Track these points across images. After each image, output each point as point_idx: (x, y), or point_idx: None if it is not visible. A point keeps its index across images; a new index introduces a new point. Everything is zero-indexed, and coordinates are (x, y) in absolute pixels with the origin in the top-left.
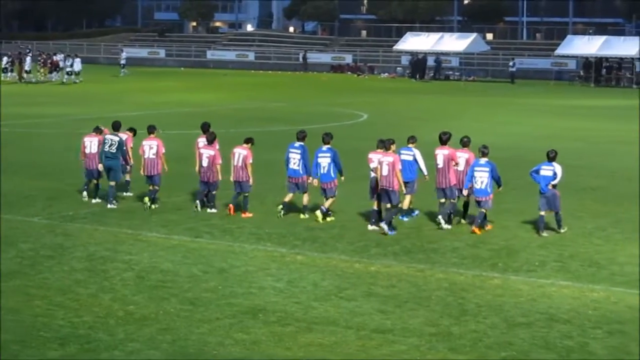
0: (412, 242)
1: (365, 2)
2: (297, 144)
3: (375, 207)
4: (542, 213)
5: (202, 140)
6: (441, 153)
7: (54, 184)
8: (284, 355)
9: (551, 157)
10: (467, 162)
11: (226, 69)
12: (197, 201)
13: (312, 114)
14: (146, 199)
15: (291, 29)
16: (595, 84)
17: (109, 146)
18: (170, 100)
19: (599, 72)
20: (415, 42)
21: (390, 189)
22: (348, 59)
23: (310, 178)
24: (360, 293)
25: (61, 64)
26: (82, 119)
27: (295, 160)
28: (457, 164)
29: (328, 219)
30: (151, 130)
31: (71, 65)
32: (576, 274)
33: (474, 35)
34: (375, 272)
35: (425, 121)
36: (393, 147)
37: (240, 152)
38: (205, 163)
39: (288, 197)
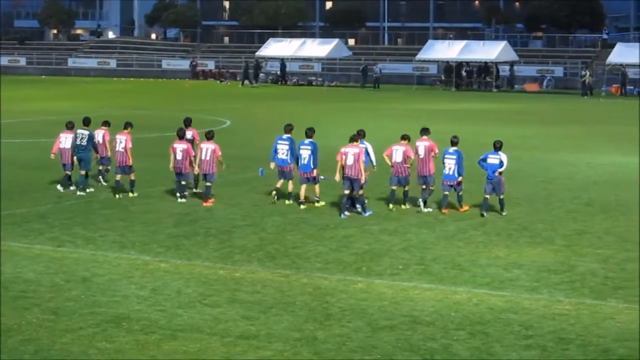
0: (276, 247)
1: (227, 8)
2: (285, 136)
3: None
4: (487, 196)
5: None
6: (422, 144)
7: None
8: None
9: (497, 147)
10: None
11: (88, 76)
12: (177, 193)
13: (175, 119)
14: (115, 190)
15: (153, 36)
16: (456, 88)
17: (80, 139)
18: (31, 109)
19: (460, 77)
20: (278, 48)
21: (355, 177)
22: (210, 65)
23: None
24: (225, 299)
25: None
26: None
27: (283, 150)
28: (435, 154)
29: (317, 204)
30: (126, 126)
31: None
32: (439, 277)
33: (336, 40)
34: (240, 278)
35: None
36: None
37: (209, 147)
38: (179, 156)
39: (279, 184)
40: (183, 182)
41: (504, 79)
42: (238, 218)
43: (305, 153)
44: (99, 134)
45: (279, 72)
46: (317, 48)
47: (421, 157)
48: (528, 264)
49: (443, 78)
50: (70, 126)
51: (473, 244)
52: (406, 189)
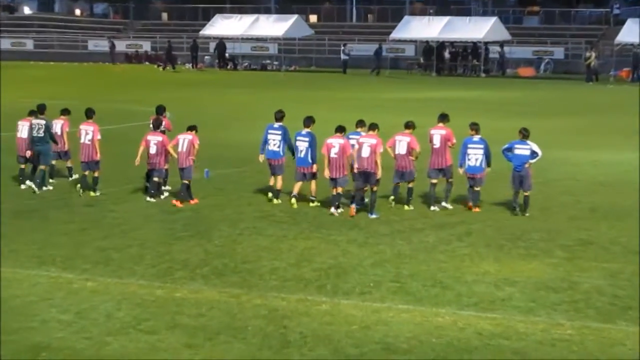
0: (224, 262)
1: None
2: (277, 124)
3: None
4: (516, 191)
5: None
6: (438, 133)
7: None
8: None
9: (525, 135)
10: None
11: None
12: (150, 192)
13: (103, 112)
14: (78, 186)
15: (77, 12)
16: (437, 72)
17: (37, 130)
18: None
19: (441, 59)
20: (226, 25)
21: (371, 170)
22: (146, 46)
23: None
24: (164, 324)
25: None
26: None
27: (275, 141)
28: (452, 144)
29: (312, 204)
30: (89, 114)
31: None
32: (417, 296)
33: (294, 17)
34: (181, 299)
35: (237, 120)
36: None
37: (186, 138)
38: (153, 150)
39: (272, 181)
40: (155, 179)
41: (493, 62)
42: (179, 227)
43: (302, 145)
44: (57, 124)
45: (215, 53)
46: (273, 26)
47: (436, 147)
48: (522, 281)
49: (422, 61)
50: (32, 113)
51: (457, 257)
52: (410, 185)
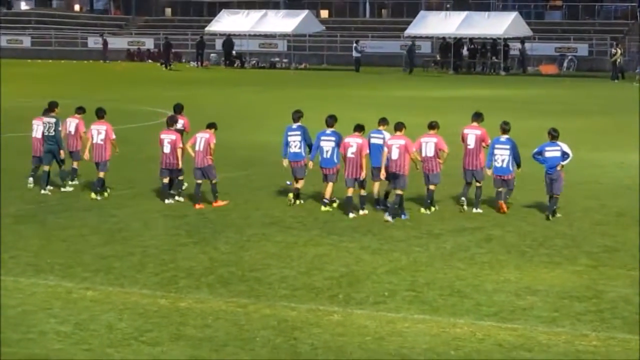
0: (230, 270)
1: None
2: (295, 125)
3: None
4: (550, 195)
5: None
6: (472, 133)
7: None
8: None
9: (555, 136)
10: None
11: None
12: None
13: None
14: (92, 194)
15: (76, 8)
16: (455, 70)
17: (48, 129)
18: None
19: (459, 56)
20: (232, 21)
21: (400, 172)
22: (149, 43)
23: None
24: (167, 335)
25: None
26: None
27: (295, 142)
28: (487, 145)
29: (334, 204)
30: (100, 114)
31: None
32: (434, 306)
33: (305, 12)
34: (186, 309)
35: (245, 119)
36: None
37: (203, 136)
38: (167, 149)
39: (295, 183)
40: (166, 180)
41: (514, 60)
42: (183, 234)
43: (328, 145)
44: (72, 123)
45: (222, 51)
46: (282, 22)
47: (470, 147)
48: (545, 290)
49: (438, 58)
50: (46, 111)
51: (476, 264)
52: (432, 188)
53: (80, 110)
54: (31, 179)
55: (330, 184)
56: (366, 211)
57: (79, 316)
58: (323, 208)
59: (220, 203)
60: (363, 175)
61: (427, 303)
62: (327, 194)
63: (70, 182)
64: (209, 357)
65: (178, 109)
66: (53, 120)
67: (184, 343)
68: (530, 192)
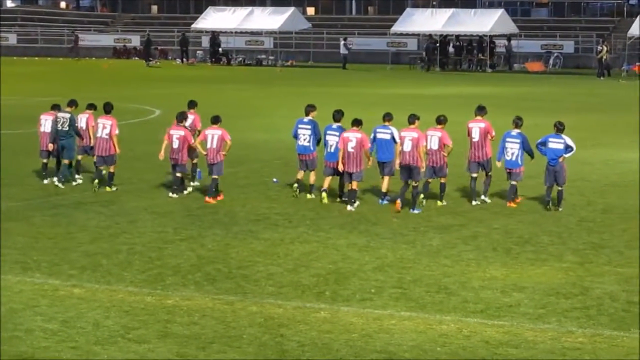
0: (217, 267)
1: None
2: (306, 118)
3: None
4: (549, 186)
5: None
6: (476, 126)
7: None
8: None
9: (560, 129)
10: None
11: None
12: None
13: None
14: (95, 182)
15: (63, 5)
16: (441, 67)
17: (61, 124)
18: None
19: (445, 54)
20: (219, 19)
21: (414, 165)
22: (135, 41)
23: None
24: (154, 333)
25: None
26: None
27: (305, 136)
28: (492, 137)
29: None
30: (107, 109)
31: None
32: (420, 303)
33: (291, 9)
34: (173, 306)
35: (232, 118)
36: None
37: (215, 133)
38: (175, 145)
39: (300, 175)
40: (178, 174)
41: (500, 57)
42: (170, 231)
43: (333, 140)
44: (82, 119)
45: (209, 48)
46: (268, 19)
47: (475, 140)
48: (531, 286)
49: (424, 56)
50: (55, 107)
51: (463, 261)
52: (442, 180)
53: (92, 106)
54: (55, 178)
55: (329, 177)
56: (354, 208)
57: (65, 314)
58: (324, 200)
59: (212, 201)
60: (362, 169)
61: (413, 300)
62: (325, 186)
63: (77, 176)
64: (196, 354)
65: (192, 105)
66: (68, 115)
67: (171, 340)
68: (522, 189)
